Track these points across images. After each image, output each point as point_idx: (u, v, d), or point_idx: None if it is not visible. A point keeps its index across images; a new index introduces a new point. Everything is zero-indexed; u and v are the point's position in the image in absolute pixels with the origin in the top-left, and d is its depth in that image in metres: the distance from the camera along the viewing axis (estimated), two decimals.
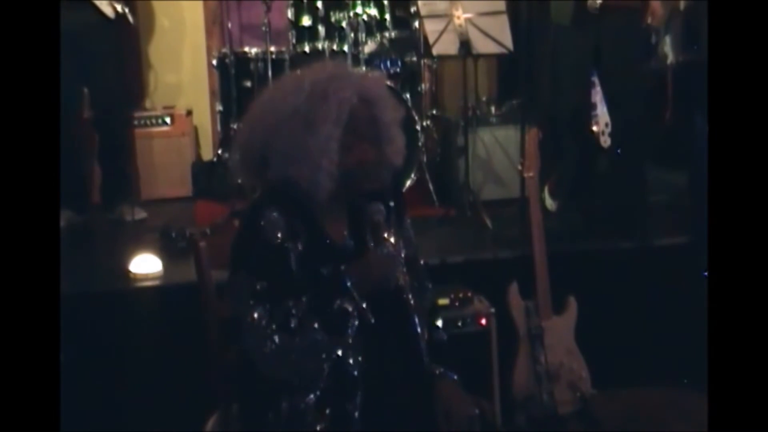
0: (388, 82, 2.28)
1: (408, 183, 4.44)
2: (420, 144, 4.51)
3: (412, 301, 2.15)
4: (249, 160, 2.13)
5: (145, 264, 3.51)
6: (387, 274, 2.02)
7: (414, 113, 4.48)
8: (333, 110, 2.00)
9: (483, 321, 3.02)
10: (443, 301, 3.01)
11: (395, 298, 2.10)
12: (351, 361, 2.00)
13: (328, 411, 1.98)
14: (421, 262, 2.33)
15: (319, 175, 2.00)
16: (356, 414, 1.99)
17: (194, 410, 2.30)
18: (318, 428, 1.97)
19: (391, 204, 2.18)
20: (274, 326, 1.94)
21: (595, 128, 4.83)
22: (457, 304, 3.09)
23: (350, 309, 1.97)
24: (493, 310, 3.05)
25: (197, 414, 2.28)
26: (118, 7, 4.27)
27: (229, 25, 5.10)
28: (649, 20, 3.94)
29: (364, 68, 4.49)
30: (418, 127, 4.50)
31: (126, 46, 4.82)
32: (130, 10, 4.36)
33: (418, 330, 2.15)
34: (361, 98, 2.05)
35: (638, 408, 2.72)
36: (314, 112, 2.00)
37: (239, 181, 2.23)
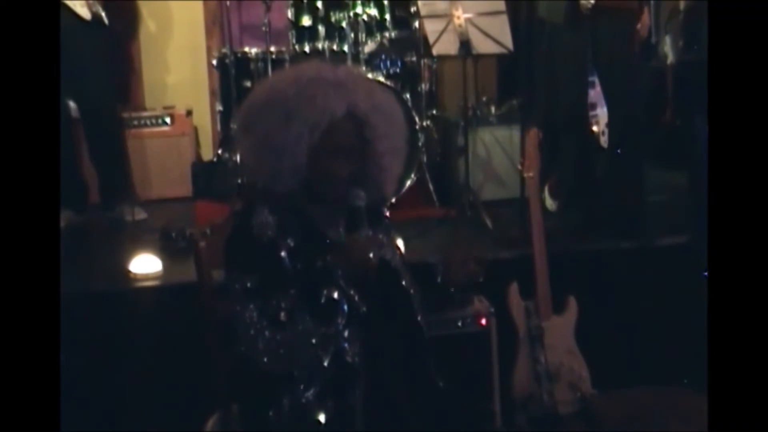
0: (399, 107, 2.20)
1: (408, 183, 4.44)
2: (420, 144, 4.50)
3: (411, 290, 2.14)
4: (239, 135, 2.13)
5: (145, 264, 3.51)
6: (365, 255, 1.96)
7: (414, 113, 4.48)
8: (312, 115, 1.98)
9: (483, 321, 3.01)
10: None
11: (389, 285, 2.09)
12: (349, 351, 1.99)
13: (330, 403, 1.98)
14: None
15: (278, 171, 2.00)
16: (359, 404, 1.98)
17: (194, 410, 2.30)
18: (321, 420, 1.96)
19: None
20: (264, 322, 1.94)
21: (594, 128, 4.83)
22: None
23: (336, 296, 1.97)
24: (493, 310, 3.04)
25: (197, 414, 2.28)
26: (95, 9, 4.20)
27: (229, 25, 5.09)
28: (638, 27, 3.95)
29: (378, 77, 4.46)
30: (418, 127, 4.50)
31: (112, 46, 4.74)
32: (106, 12, 4.26)
33: (418, 317, 2.13)
34: (351, 114, 2.01)
35: (638, 408, 2.72)
36: (295, 109, 1.99)
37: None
